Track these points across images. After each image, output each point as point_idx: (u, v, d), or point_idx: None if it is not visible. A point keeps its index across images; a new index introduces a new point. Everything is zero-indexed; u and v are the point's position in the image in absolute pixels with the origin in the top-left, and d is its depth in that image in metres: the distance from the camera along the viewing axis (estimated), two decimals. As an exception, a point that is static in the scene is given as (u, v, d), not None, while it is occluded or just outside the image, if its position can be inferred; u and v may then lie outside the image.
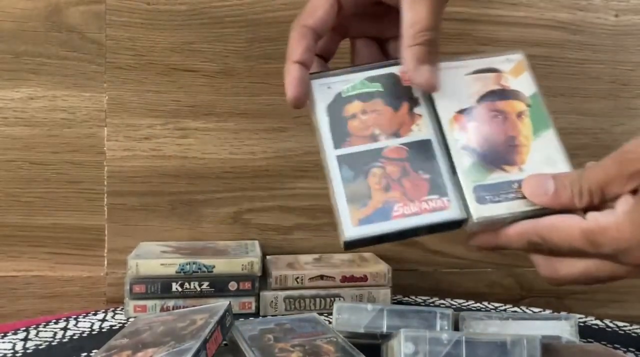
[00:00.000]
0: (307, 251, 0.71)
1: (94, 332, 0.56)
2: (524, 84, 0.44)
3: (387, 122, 0.42)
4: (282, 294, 0.61)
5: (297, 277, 0.61)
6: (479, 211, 0.39)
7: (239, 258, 0.60)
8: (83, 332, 0.56)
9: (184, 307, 0.58)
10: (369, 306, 0.49)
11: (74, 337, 0.55)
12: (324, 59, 0.48)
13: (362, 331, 0.49)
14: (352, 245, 0.39)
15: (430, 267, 0.74)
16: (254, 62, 0.69)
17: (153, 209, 0.68)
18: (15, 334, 0.55)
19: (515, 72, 0.44)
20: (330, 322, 0.51)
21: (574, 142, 0.74)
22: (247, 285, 0.60)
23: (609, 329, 0.61)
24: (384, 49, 0.48)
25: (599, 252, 0.37)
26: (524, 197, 0.39)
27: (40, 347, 0.52)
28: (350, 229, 0.39)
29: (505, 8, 0.72)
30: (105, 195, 0.67)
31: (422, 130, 0.42)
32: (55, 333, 0.56)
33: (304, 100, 0.42)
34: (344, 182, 0.41)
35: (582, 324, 0.61)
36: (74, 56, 0.66)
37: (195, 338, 0.42)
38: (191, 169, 0.69)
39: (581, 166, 0.71)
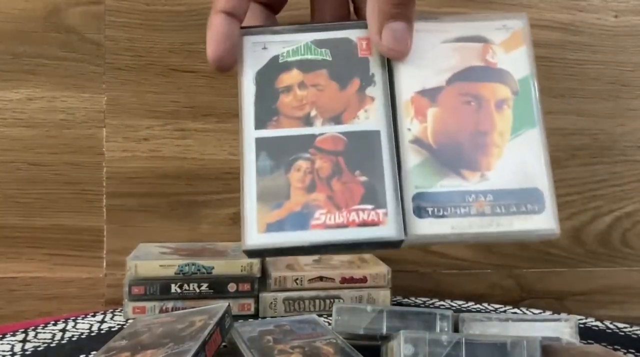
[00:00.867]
0: (306, 252, 0.71)
1: (92, 334, 0.56)
2: (517, 62, 0.34)
3: (328, 102, 0.33)
4: (282, 295, 0.60)
5: (297, 279, 0.61)
6: (414, 227, 0.31)
7: (238, 259, 0.60)
8: (82, 333, 0.56)
9: (183, 309, 0.58)
10: (369, 307, 0.49)
11: (73, 338, 0.55)
12: (271, 8, 0.37)
13: (361, 332, 0.48)
14: (255, 254, 0.32)
15: (430, 268, 0.73)
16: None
17: (152, 210, 0.68)
18: (14, 335, 0.55)
19: (508, 45, 0.35)
20: (329, 324, 0.51)
21: (573, 143, 0.75)
22: (246, 286, 0.60)
23: (609, 331, 0.61)
24: (357, 7, 0.38)
25: None
26: (479, 215, 0.31)
27: (39, 348, 0.52)
28: (254, 236, 0.32)
29: (505, 9, 0.72)
30: (104, 196, 0.67)
31: (370, 117, 0.33)
32: (54, 335, 0.55)
33: (229, 62, 0.33)
34: (258, 173, 0.33)
35: (582, 326, 0.60)
36: (73, 57, 0.66)
37: (194, 340, 0.42)
38: (190, 170, 0.69)
39: (581, 167, 0.71)
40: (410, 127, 0.32)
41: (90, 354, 0.51)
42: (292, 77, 0.34)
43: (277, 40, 0.34)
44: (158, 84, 0.68)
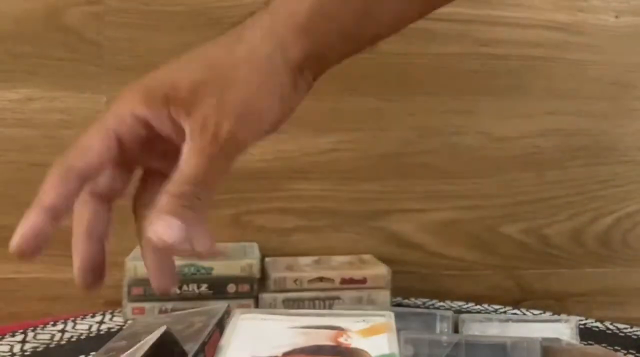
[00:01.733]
0: (306, 252, 0.70)
1: (92, 335, 0.56)
2: (376, 344, 0.33)
3: None
4: (281, 296, 0.60)
5: (296, 280, 0.61)
6: None
7: (237, 260, 0.60)
8: (81, 334, 0.56)
9: (182, 310, 0.58)
10: (369, 308, 0.49)
11: (72, 339, 0.55)
12: (109, 199, 0.40)
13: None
14: None
15: (430, 269, 0.73)
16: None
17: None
18: (13, 336, 0.54)
19: (367, 332, 0.35)
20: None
21: (574, 144, 0.75)
22: (245, 287, 0.60)
23: (609, 332, 0.61)
24: None
25: None
26: None
27: (38, 349, 0.52)
28: None
29: (505, 9, 0.72)
30: (104, 196, 0.67)
31: None
32: (53, 335, 0.55)
33: (30, 254, 0.35)
34: None
35: (582, 326, 0.60)
36: (72, 57, 0.66)
37: (193, 341, 0.42)
38: (190, 171, 0.68)
39: (582, 167, 0.72)
40: None
41: (90, 354, 0.51)
42: None
43: None
44: (158, 84, 0.67)
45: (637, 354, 0.54)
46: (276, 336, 0.35)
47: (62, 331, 0.56)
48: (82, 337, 0.55)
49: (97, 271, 0.37)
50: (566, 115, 0.74)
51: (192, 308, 0.55)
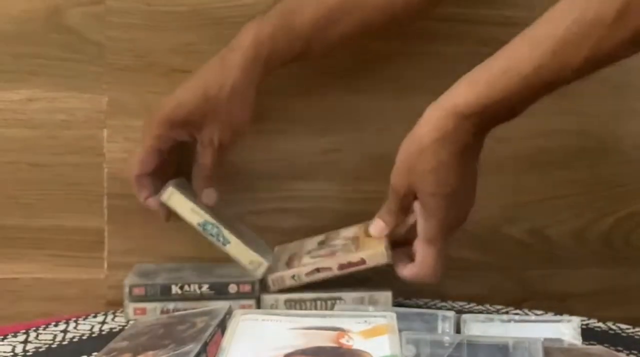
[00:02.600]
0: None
1: (94, 335, 0.56)
2: (378, 345, 0.34)
3: None
4: (283, 297, 0.60)
5: (294, 275, 0.60)
6: None
7: (250, 251, 0.60)
8: (83, 334, 0.56)
9: (184, 310, 0.58)
10: (370, 309, 0.49)
11: (74, 339, 0.55)
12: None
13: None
14: None
15: (431, 269, 0.73)
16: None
17: (153, 211, 0.68)
18: (15, 336, 0.55)
19: (369, 334, 0.35)
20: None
21: (577, 144, 0.75)
22: (246, 288, 0.60)
23: (612, 332, 0.61)
24: None
25: None
26: None
27: (40, 349, 0.52)
28: None
29: (506, 8, 0.72)
30: (105, 197, 0.67)
31: None
32: (55, 336, 0.55)
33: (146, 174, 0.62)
34: None
35: (584, 327, 0.60)
36: (73, 57, 0.66)
37: (195, 341, 0.42)
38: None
39: (585, 168, 0.71)
40: None
41: (92, 355, 0.51)
42: None
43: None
44: (159, 84, 0.67)
45: (640, 355, 0.54)
46: (277, 337, 0.35)
47: (64, 331, 0.56)
48: (84, 337, 0.56)
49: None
50: (569, 116, 0.74)
51: (194, 308, 0.55)
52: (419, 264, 0.56)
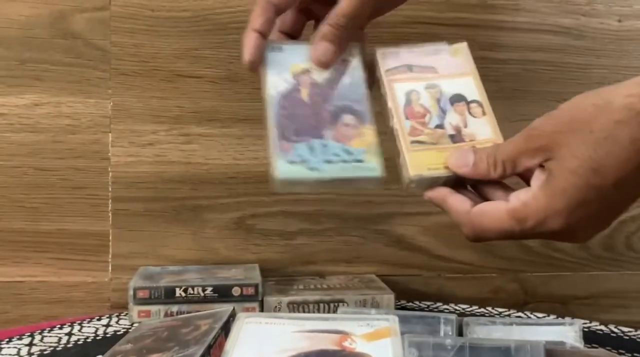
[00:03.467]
0: (309, 256, 0.71)
1: (98, 338, 0.56)
2: (381, 350, 0.35)
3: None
4: (286, 299, 0.61)
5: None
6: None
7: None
8: (87, 337, 0.56)
9: (188, 313, 0.58)
10: (373, 311, 0.49)
11: (79, 342, 0.55)
12: (291, 36, 0.52)
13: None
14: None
15: (434, 272, 0.73)
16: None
17: (157, 214, 0.68)
18: (20, 339, 0.55)
19: (371, 337, 0.36)
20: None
21: (577, 147, 0.75)
22: (250, 290, 0.60)
23: (614, 335, 0.61)
24: None
25: (523, 228, 0.41)
26: None
27: (45, 352, 0.53)
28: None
29: (507, 13, 0.73)
30: (110, 201, 0.68)
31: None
32: (60, 338, 0.56)
33: (257, 64, 0.48)
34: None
35: (586, 330, 0.60)
36: (78, 63, 0.67)
37: (199, 344, 0.42)
38: (195, 175, 0.69)
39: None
40: None
41: (96, 357, 0.51)
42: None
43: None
44: (163, 89, 0.68)
45: (641, 357, 0.54)
46: (281, 340, 0.36)
47: (69, 334, 0.57)
48: (89, 340, 0.56)
49: (260, 54, 0.48)
50: (569, 119, 0.74)
51: (198, 311, 0.55)
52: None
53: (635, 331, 0.62)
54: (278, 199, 0.70)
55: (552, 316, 0.65)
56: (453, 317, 0.49)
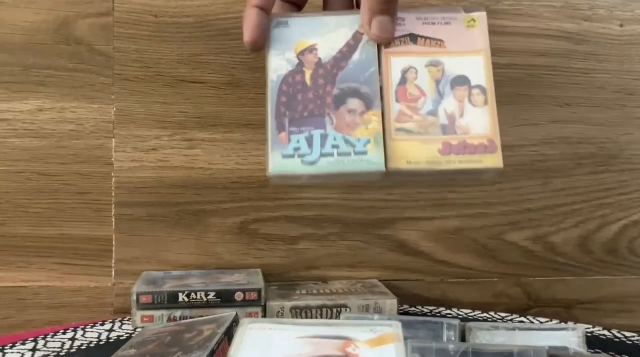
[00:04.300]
0: (312, 260, 0.71)
1: (101, 343, 0.56)
2: (384, 354, 0.35)
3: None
4: (289, 304, 0.61)
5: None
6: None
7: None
8: (91, 342, 0.56)
9: (190, 318, 0.58)
10: (375, 316, 0.49)
11: (82, 347, 0.55)
12: (296, 6, 0.47)
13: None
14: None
15: (436, 277, 0.73)
16: (260, 73, 0.68)
17: (160, 219, 0.69)
18: (23, 344, 0.55)
19: (374, 342, 0.36)
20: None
21: (579, 152, 0.75)
22: (253, 295, 0.60)
23: (617, 340, 0.61)
24: (358, 2, 0.45)
25: None
26: None
27: (48, 357, 0.53)
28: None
29: (509, 18, 0.73)
30: (113, 206, 0.68)
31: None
32: (63, 343, 0.56)
33: (261, 44, 0.42)
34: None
35: (589, 334, 0.60)
36: (82, 68, 0.67)
37: (202, 349, 0.42)
38: (198, 180, 0.69)
39: (588, 175, 0.71)
40: None
41: (99, 363, 0.51)
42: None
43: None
44: (166, 94, 0.68)
45: (645, 362, 0.54)
46: (284, 345, 0.36)
47: (72, 339, 0.57)
48: (92, 345, 0.56)
49: (263, 32, 0.42)
50: (571, 123, 0.74)
51: (201, 316, 0.56)
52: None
53: (639, 335, 0.61)
54: (281, 203, 0.71)
55: (555, 321, 0.65)
56: (456, 322, 0.49)
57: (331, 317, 0.61)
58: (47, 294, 0.67)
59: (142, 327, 0.57)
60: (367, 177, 0.41)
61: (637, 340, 0.60)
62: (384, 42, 0.41)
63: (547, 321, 0.65)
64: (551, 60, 0.74)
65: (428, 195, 0.73)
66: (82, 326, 0.60)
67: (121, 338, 0.57)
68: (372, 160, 0.40)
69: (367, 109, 0.41)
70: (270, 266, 0.70)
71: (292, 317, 0.60)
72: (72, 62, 0.67)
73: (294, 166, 0.40)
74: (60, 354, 0.54)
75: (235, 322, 0.49)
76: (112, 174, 0.68)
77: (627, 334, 0.62)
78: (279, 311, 0.60)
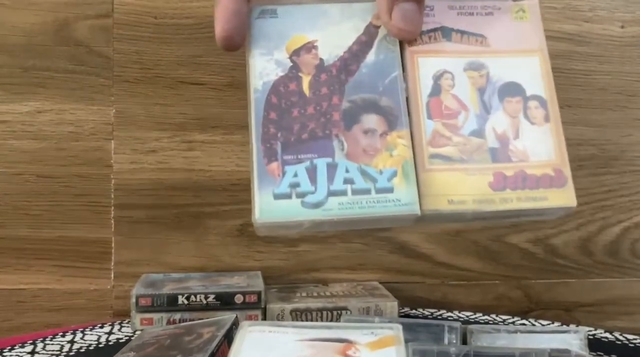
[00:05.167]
0: (312, 263, 0.71)
1: (100, 345, 0.56)
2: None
3: None
4: (289, 307, 0.60)
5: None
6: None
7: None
8: (90, 345, 0.56)
9: (190, 321, 0.58)
10: (377, 319, 0.49)
11: (81, 350, 0.55)
12: None
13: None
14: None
15: (437, 279, 0.73)
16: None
17: (160, 221, 0.68)
18: (22, 347, 0.55)
19: (375, 345, 0.33)
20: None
21: (580, 153, 0.75)
22: (252, 298, 0.60)
23: (619, 342, 0.60)
24: None
25: None
26: None
27: (47, 360, 0.52)
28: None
29: (510, 20, 0.73)
30: (112, 208, 0.68)
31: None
32: (62, 346, 0.55)
33: (239, 40, 0.32)
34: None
35: (591, 337, 0.60)
36: (81, 70, 0.67)
37: (202, 352, 0.42)
38: (198, 182, 0.69)
39: (589, 177, 0.71)
40: None
41: (98, 366, 0.51)
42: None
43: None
44: (166, 96, 0.68)
45: (647, 365, 0.54)
46: (284, 348, 0.35)
47: (71, 342, 0.57)
48: (91, 348, 0.56)
49: (240, 24, 0.32)
50: (572, 125, 0.74)
51: (201, 319, 0.55)
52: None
53: (641, 338, 0.61)
54: (281, 205, 0.70)
55: (556, 324, 0.65)
56: (457, 325, 0.49)
57: (332, 320, 0.60)
58: (46, 296, 0.67)
59: (142, 330, 0.57)
60: (394, 222, 0.31)
61: (639, 343, 0.60)
62: (409, 38, 0.32)
63: (548, 324, 0.65)
64: (552, 62, 0.73)
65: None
66: (82, 329, 0.60)
67: (120, 341, 0.57)
68: (402, 201, 0.30)
69: (389, 128, 0.31)
70: (271, 268, 0.70)
71: (293, 319, 0.60)
72: (72, 63, 0.66)
73: (291, 210, 0.29)
74: (59, 357, 0.53)
75: (235, 325, 0.49)
76: (112, 176, 0.68)
77: (629, 336, 0.62)
78: (279, 314, 0.60)
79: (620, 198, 0.75)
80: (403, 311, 0.66)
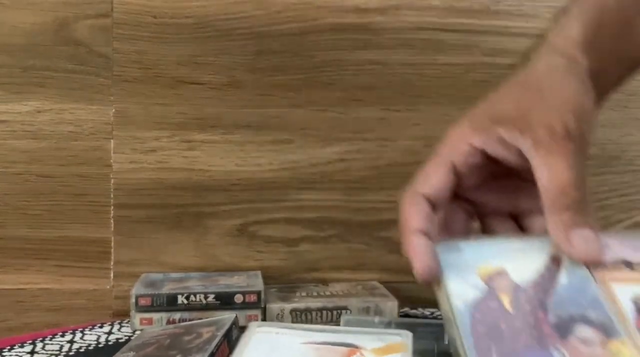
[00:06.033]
0: (312, 263, 0.71)
1: (100, 345, 0.56)
2: None
3: None
4: (289, 306, 0.60)
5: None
6: None
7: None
8: (89, 345, 0.56)
9: (190, 320, 0.58)
10: (376, 319, 0.49)
11: (81, 350, 0.55)
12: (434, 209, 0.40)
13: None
14: None
15: (437, 279, 0.73)
16: (260, 74, 0.69)
17: (159, 221, 0.68)
18: (22, 347, 0.55)
19: (382, 351, 0.35)
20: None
21: (581, 153, 0.75)
22: (252, 297, 0.60)
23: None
24: (522, 225, 0.42)
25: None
26: None
27: (47, 360, 0.52)
28: None
29: (511, 19, 0.72)
30: (112, 207, 0.68)
31: None
32: (62, 346, 0.55)
33: (437, 272, 0.37)
34: None
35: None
36: (81, 69, 0.67)
37: (201, 351, 0.42)
38: (197, 182, 0.69)
39: (589, 176, 0.71)
40: None
41: (98, 366, 0.51)
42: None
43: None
44: (165, 95, 0.68)
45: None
46: (289, 351, 0.35)
47: (71, 342, 0.56)
48: (91, 348, 0.56)
49: (435, 259, 0.37)
50: (573, 125, 0.74)
51: (200, 319, 0.55)
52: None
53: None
54: (281, 205, 0.70)
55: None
56: (457, 324, 0.48)
57: (331, 320, 0.60)
58: (46, 296, 0.67)
59: (141, 330, 0.57)
60: None
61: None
62: (595, 261, 0.35)
63: (549, 324, 0.65)
64: (552, 61, 0.73)
65: (429, 197, 0.72)
66: (81, 329, 0.60)
67: (120, 341, 0.57)
68: None
69: (606, 337, 0.32)
70: (270, 268, 0.70)
71: (292, 319, 0.60)
72: (72, 63, 0.66)
73: None
74: (59, 356, 0.53)
75: (235, 324, 0.48)
76: (111, 176, 0.67)
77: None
78: (278, 314, 0.60)
79: (620, 198, 0.75)
80: (403, 310, 0.66)
